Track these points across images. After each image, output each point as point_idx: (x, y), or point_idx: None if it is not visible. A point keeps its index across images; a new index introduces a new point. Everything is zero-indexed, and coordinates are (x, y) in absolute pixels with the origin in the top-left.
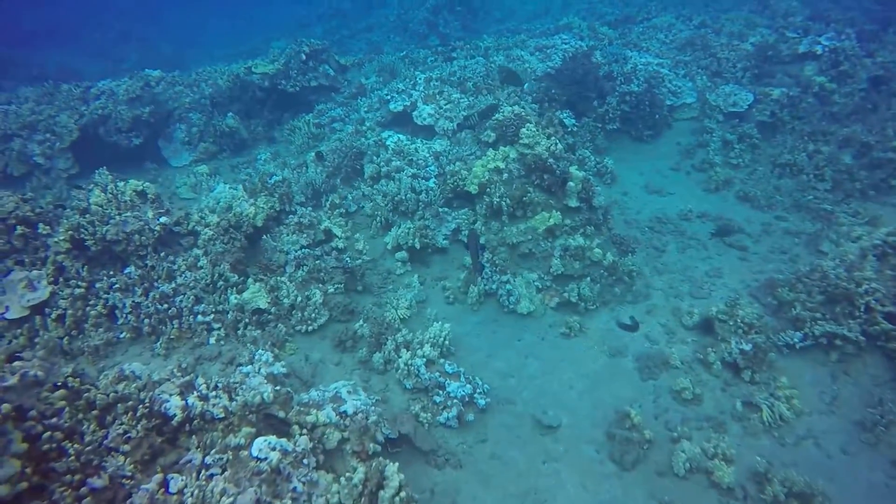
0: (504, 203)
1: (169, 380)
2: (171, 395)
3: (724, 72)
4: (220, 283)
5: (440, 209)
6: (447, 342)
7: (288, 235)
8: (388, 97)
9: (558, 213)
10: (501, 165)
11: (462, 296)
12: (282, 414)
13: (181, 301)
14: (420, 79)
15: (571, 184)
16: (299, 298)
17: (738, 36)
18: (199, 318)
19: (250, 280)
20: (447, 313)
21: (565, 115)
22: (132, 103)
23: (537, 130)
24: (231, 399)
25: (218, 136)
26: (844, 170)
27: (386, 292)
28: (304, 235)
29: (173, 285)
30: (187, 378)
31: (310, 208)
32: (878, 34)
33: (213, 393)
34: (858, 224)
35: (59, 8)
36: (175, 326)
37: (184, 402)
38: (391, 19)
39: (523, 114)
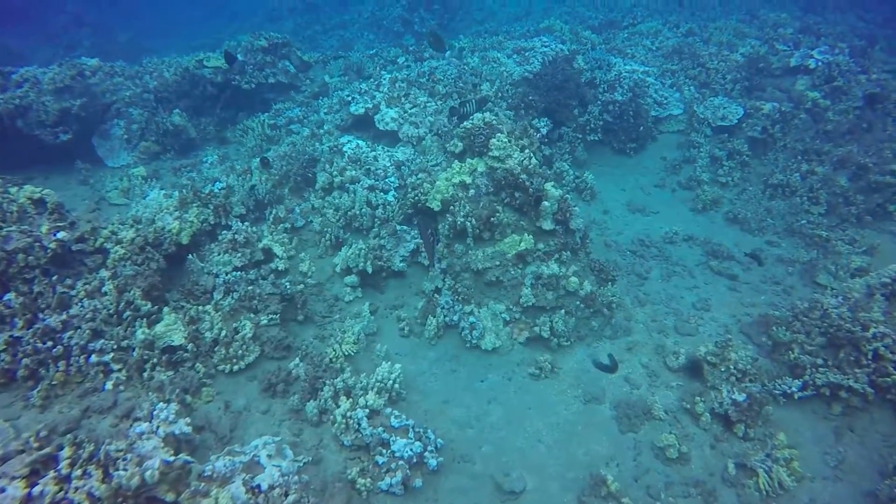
0: (469, 223)
1: (19, 453)
2: (11, 479)
3: (712, 83)
4: (128, 313)
5: (398, 227)
6: (397, 385)
7: (219, 255)
8: (350, 98)
9: (531, 236)
10: (468, 180)
11: (419, 327)
12: (170, 497)
13: (72, 337)
14: (385, 79)
15: (546, 203)
16: (224, 332)
17: (727, 46)
18: (94, 357)
19: (166, 310)
20: (400, 348)
21: (542, 123)
22: (60, 94)
23: (510, 141)
24: (104, 478)
25: (161, 135)
26: (840, 193)
27: (331, 322)
28: (239, 255)
29: (64, 317)
30: (46, 450)
31: (248, 223)
32: (865, 50)
33: (79, 471)
34: (856, 253)
35: None
36: (60, 369)
37: (28, 490)
38: (365, 16)
39: (494, 122)
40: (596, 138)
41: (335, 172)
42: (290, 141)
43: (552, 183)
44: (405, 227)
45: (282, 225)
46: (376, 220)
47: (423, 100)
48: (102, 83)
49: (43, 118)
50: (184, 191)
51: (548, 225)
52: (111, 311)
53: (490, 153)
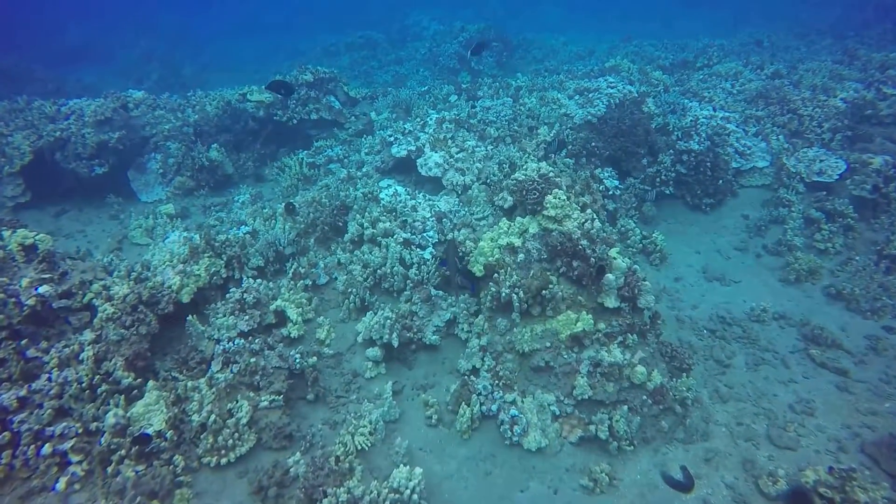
0: (516, 295)
1: None
2: None
3: (806, 132)
4: (104, 387)
5: (433, 292)
6: (416, 496)
7: (224, 317)
8: (392, 139)
9: (589, 314)
10: (517, 243)
11: (449, 416)
12: None
13: (24, 420)
14: (431, 119)
15: (611, 277)
16: (214, 417)
17: (822, 90)
18: (46, 448)
19: (151, 384)
20: (426, 441)
21: (607, 174)
22: (100, 126)
23: (569, 199)
24: None
25: (197, 170)
26: None
27: (346, 404)
28: (246, 318)
29: (24, 392)
30: None
31: (263, 281)
32: None
33: None
34: None
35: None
36: (2, 462)
37: None
38: (422, 52)
39: (551, 175)
40: (667, 192)
41: (366, 223)
42: (322, 184)
43: (618, 250)
44: (441, 293)
45: (302, 282)
46: (409, 281)
47: (471, 144)
48: (143, 116)
49: (80, 151)
50: (197, 238)
51: (611, 302)
52: (84, 385)
53: (545, 212)
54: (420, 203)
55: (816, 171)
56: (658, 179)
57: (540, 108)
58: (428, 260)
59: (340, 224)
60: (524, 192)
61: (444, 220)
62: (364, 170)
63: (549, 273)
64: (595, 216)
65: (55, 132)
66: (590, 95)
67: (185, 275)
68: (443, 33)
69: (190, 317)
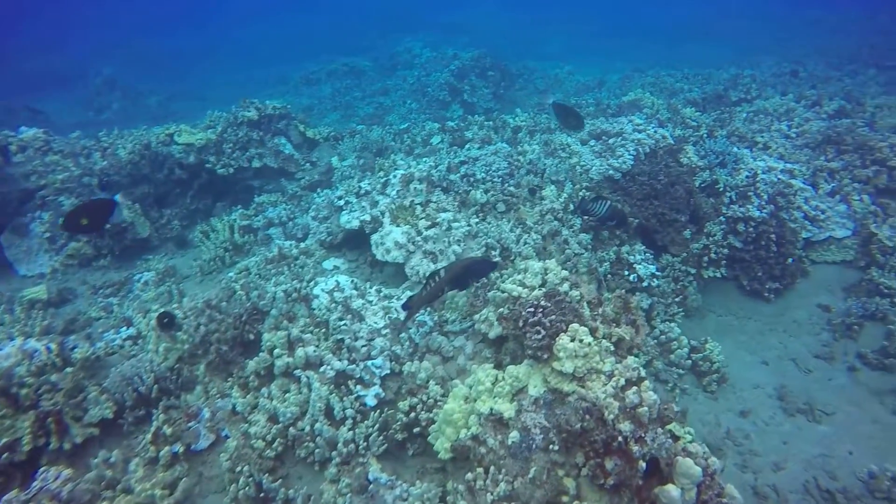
0: None
1: None
2: None
3: None
4: None
5: (373, 474)
6: None
7: None
8: (342, 202)
9: None
10: (508, 412)
11: None
12: None
13: None
14: (395, 176)
15: (674, 493)
16: None
17: None
18: None
19: None
20: None
21: (639, 255)
22: None
23: (596, 339)
24: None
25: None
26: None
27: None
28: None
29: None
30: None
31: (105, 451)
32: None
33: None
34: None
35: (76, 46)
36: None
37: None
38: (410, 81)
39: (566, 291)
40: (716, 274)
41: (279, 346)
42: (241, 267)
43: (690, 437)
44: (383, 478)
45: (165, 450)
46: (337, 451)
47: (446, 216)
48: (29, 163)
49: None
50: (42, 353)
51: None
52: None
53: (556, 362)
54: (371, 305)
55: None
56: (706, 258)
57: (545, 158)
58: (372, 408)
59: (252, 337)
60: (521, 324)
61: (403, 342)
62: (306, 244)
63: (561, 473)
64: (641, 370)
65: None
66: (610, 141)
67: None
68: (434, 60)
69: None
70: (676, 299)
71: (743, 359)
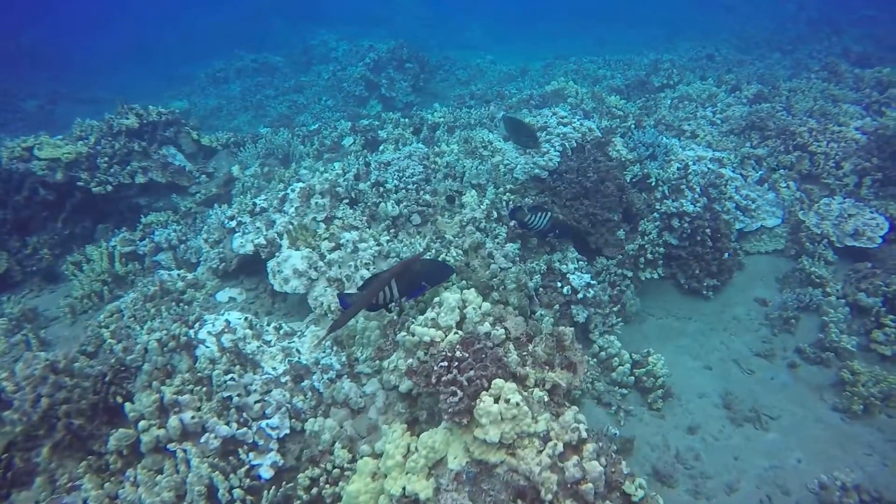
0: None
1: None
2: None
3: (823, 175)
4: None
5: None
6: None
7: None
8: (233, 222)
9: None
10: (424, 493)
11: None
12: None
13: None
14: (294, 190)
15: None
16: None
17: (823, 115)
18: None
19: None
20: None
21: (571, 263)
22: None
23: (526, 393)
24: None
25: None
26: None
27: None
28: None
29: None
30: None
31: None
32: None
33: None
34: None
35: None
36: None
37: None
38: (325, 77)
39: (487, 332)
40: (654, 276)
41: (149, 413)
42: (111, 309)
43: (642, 491)
44: None
45: None
46: None
47: (351, 236)
48: None
49: None
50: None
51: None
52: None
53: (478, 428)
54: (268, 347)
55: (849, 233)
56: (642, 259)
57: (463, 159)
58: (268, 481)
59: (121, 400)
60: (433, 381)
61: (307, 391)
62: (199, 271)
63: None
64: (581, 428)
65: None
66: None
67: None
68: (351, 53)
69: None
70: (615, 308)
71: (686, 364)
